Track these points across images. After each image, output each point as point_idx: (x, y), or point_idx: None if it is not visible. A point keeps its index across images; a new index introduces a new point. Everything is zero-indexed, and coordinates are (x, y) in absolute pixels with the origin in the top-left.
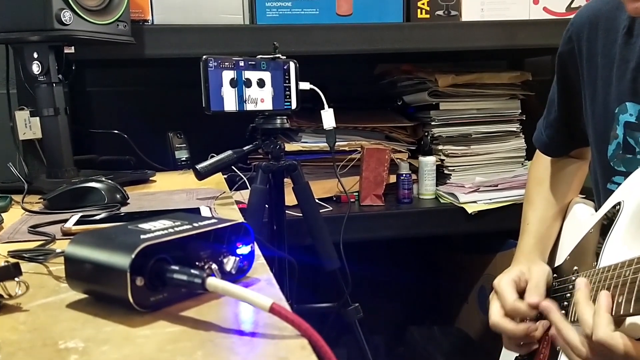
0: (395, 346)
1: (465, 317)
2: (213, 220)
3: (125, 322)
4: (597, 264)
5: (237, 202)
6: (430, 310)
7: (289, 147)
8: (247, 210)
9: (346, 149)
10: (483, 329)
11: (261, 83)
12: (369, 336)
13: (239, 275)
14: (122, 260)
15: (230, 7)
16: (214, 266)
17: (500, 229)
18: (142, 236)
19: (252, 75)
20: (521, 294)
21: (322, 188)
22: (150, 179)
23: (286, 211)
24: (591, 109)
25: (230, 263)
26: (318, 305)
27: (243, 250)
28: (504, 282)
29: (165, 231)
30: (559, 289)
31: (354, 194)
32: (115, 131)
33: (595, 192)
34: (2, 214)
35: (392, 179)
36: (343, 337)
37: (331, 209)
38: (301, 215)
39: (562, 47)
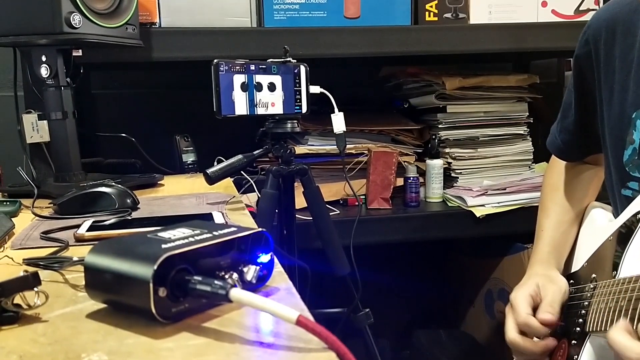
0: (401, 350)
1: (472, 321)
2: (233, 229)
3: (147, 334)
4: (616, 274)
5: (245, 206)
6: (436, 314)
7: (296, 150)
8: (258, 215)
9: (353, 151)
10: (489, 333)
11: (272, 87)
12: (375, 339)
13: (259, 284)
14: (144, 270)
15: (237, 10)
16: (235, 275)
17: (508, 233)
18: (163, 246)
19: (263, 79)
20: (536, 309)
21: (329, 191)
22: (158, 182)
23: (296, 214)
24: (607, 113)
25: (250, 272)
26: (328, 310)
27: (263, 258)
28: (520, 296)
29: (186, 240)
30: (576, 297)
31: (361, 197)
32: (122, 134)
33: (612, 197)
34: (13, 219)
35: (400, 182)
36: (349, 340)
37: (339, 212)
38: (310, 218)
39: (578, 50)
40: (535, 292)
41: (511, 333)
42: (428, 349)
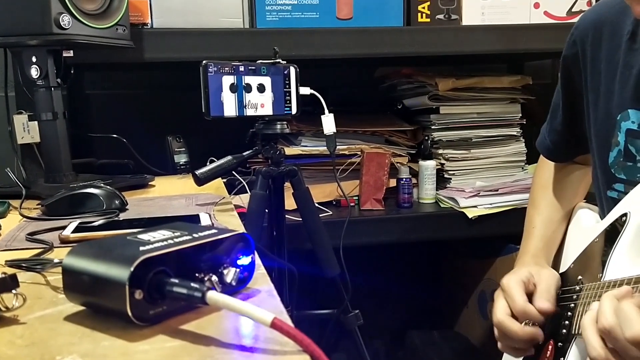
0: (395, 351)
1: (466, 322)
2: (213, 231)
3: (123, 337)
4: (602, 276)
5: (236, 207)
6: (430, 315)
7: (289, 151)
8: (247, 216)
9: (346, 152)
10: (483, 334)
11: (261, 88)
12: (368, 340)
13: (239, 287)
14: (121, 272)
15: (229, 11)
16: (214, 278)
17: (501, 234)
18: (141, 248)
19: (252, 80)
20: (529, 296)
21: (322, 192)
22: (149, 183)
23: (286, 216)
24: (593, 114)
25: (230, 274)
26: (318, 312)
27: (243, 260)
28: (513, 282)
29: (165, 242)
30: (564, 298)
31: (354, 198)
32: (114, 135)
33: (598, 198)
34: (0, 220)
35: (392, 183)
36: (342, 341)
37: (331, 213)
38: (300, 219)
39: (566, 51)
40: (528, 279)
41: (500, 314)
42: (422, 349)
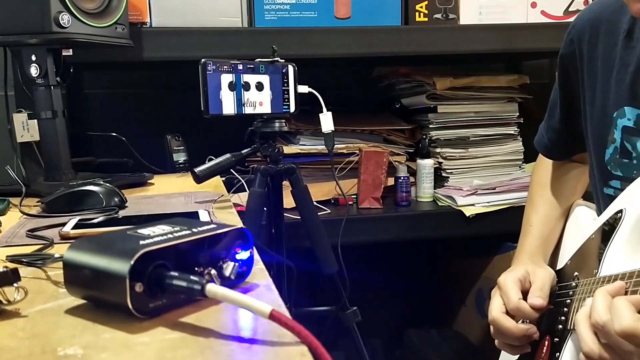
0: (393, 349)
1: (463, 320)
2: (212, 226)
3: (124, 329)
4: (597, 272)
5: (235, 205)
6: (428, 313)
7: (287, 149)
8: (246, 214)
9: (344, 151)
10: (481, 332)
11: (260, 86)
12: (367, 339)
13: (238, 281)
14: (121, 266)
15: (228, 10)
16: (213, 271)
17: (498, 232)
18: (142, 242)
19: (251, 79)
20: (525, 294)
21: (320, 191)
22: (148, 181)
23: (284, 214)
24: (590, 112)
25: (229, 268)
26: (316, 308)
27: (242, 255)
28: (510, 280)
29: (165, 237)
30: (560, 294)
31: (352, 196)
32: (113, 134)
33: (595, 196)
34: (0, 217)
35: (390, 181)
36: (341, 340)
37: (329, 211)
38: (299, 217)
39: (563, 49)
40: (524, 277)
41: (495, 311)
42: (420, 348)
